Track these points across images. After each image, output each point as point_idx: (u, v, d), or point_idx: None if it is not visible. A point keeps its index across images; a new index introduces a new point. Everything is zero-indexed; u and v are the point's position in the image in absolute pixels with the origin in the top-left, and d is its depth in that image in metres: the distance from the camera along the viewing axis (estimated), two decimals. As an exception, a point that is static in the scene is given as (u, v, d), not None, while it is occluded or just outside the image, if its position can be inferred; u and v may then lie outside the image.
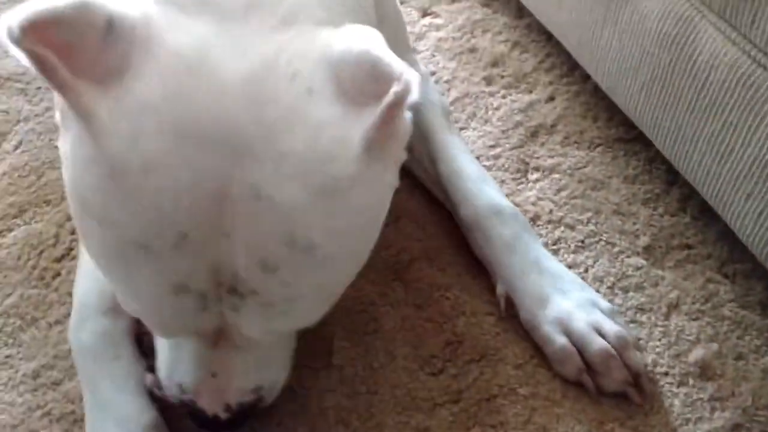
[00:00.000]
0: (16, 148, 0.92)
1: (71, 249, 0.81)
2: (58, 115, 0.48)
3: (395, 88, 0.41)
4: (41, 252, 0.81)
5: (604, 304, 0.71)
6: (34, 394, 0.70)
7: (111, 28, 0.42)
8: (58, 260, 0.80)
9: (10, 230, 0.83)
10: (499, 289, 0.74)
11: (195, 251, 0.45)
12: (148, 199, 0.44)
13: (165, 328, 0.53)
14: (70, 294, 0.77)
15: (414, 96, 0.41)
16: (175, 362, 0.58)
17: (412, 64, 0.86)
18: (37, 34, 0.38)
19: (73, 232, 0.81)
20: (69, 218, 0.83)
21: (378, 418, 0.67)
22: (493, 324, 0.73)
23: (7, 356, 0.73)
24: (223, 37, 0.45)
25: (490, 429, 0.66)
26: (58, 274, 0.79)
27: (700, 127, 0.68)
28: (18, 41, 0.38)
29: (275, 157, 0.44)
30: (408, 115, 0.47)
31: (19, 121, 0.95)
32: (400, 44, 0.85)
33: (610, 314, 0.70)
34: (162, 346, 0.60)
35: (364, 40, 0.45)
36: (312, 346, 0.72)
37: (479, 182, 0.78)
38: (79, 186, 0.46)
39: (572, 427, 0.66)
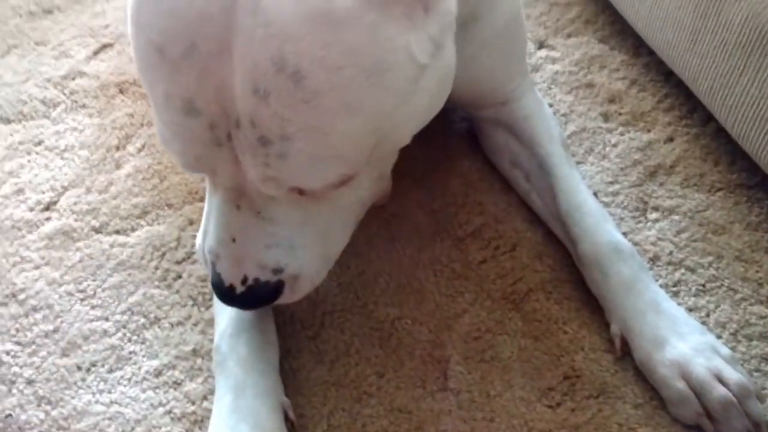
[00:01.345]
0: (140, 150, 0.96)
1: (192, 253, 0.83)
2: None
3: None
4: (164, 254, 0.84)
5: (725, 350, 0.70)
6: (156, 391, 0.72)
7: None
8: (179, 263, 0.83)
9: (134, 230, 0.87)
10: (614, 329, 0.73)
11: (202, 65, 0.48)
12: (170, 2, 0.48)
13: (184, 156, 0.54)
14: (191, 297, 0.80)
15: None
16: (206, 220, 0.58)
17: (528, 88, 0.86)
18: None
19: (194, 236, 0.84)
20: (191, 222, 0.86)
21: (494, 446, 0.67)
22: (612, 362, 0.72)
23: (131, 352, 0.76)
24: None
25: (609, 468, 0.65)
26: (179, 277, 0.82)
27: None
28: None
29: None
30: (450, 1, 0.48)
31: (143, 125, 0.99)
32: (515, 63, 0.85)
33: (731, 361, 0.69)
34: (204, 214, 0.60)
35: None
36: (427, 369, 0.73)
37: (599, 218, 0.77)
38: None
39: (694, 475, 0.65)
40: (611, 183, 0.87)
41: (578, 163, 0.90)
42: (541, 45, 1.06)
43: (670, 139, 0.92)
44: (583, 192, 0.79)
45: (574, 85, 0.99)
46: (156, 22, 0.49)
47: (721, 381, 0.66)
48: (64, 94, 1.04)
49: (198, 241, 0.62)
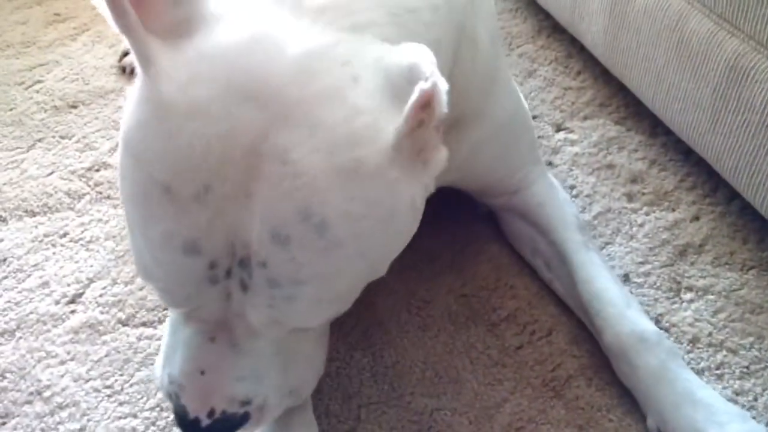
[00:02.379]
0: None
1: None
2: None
3: (421, 86, 0.44)
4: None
5: None
6: None
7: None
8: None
9: (161, 322, 0.85)
10: (650, 423, 0.71)
11: (215, 208, 0.47)
12: (185, 141, 0.46)
13: (170, 294, 0.52)
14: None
15: (440, 103, 0.45)
16: (170, 350, 0.56)
17: (539, 175, 0.87)
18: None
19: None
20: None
21: None
22: (661, 451, 0.70)
23: None
24: (293, 24, 0.49)
25: None
26: (209, 369, 0.80)
27: None
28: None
29: (310, 125, 0.46)
30: (443, 153, 0.51)
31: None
32: (522, 154, 0.86)
33: None
34: (165, 334, 0.58)
35: (418, 55, 0.48)
36: (470, 462, 0.70)
37: (621, 306, 0.75)
38: (127, 124, 0.50)
39: None
40: (642, 264, 0.87)
41: (606, 244, 0.90)
42: (558, 128, 1.07)
43: (696, 218, 0.92)
44: (603, 278, 0.78)
45: (595, 167, 1.00)
46: (165, 159, 0.47)
47: None
48: (89, 186, 1.04)
49: (157, 369, 0.59)
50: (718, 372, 0.76)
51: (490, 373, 0.77)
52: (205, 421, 0.55)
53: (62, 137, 1.13)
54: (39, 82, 1.27)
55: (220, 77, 0.47)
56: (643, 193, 0.96)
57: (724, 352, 0.77)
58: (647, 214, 0.93)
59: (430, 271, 0.87)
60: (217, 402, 0.54)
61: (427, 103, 0.45)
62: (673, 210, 0.94)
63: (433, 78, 0.44)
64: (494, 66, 0.77)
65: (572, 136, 1.06)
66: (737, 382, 0.75)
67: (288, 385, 0.59)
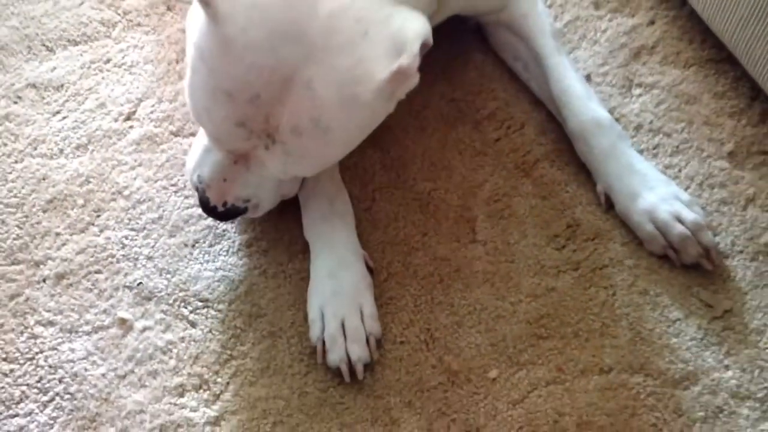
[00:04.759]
0: (195, 62, 1.11)
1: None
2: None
3: (401, 61, 0.68)
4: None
5: (685, 196, 0.88)
6: (250, 258, 0.93)
7: None
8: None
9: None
10: (599, 188, 0.92)
11: (260, 105, 0.72)
12: (244, 64, 0.70)
13: (217, 139, 0.79)
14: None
15: (412, 77, 0.70)
16: (203, 160, 0.83)
17: None
18: None
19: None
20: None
21: (515, 280, 0.88)
22: (604, 212, 0.92)
23: (224, 230, 0.95)
24: None
25: (603, 290, 0.87)
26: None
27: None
28: None
29: (329, 66, 0.70)
30: (415, 78, 0.71)
31: (193, 39, 1.13)
32: None
33: (689, 204, 0.88)
34: (197, 146, 0.85)
35: (410, 26, 0.70)
36: (459, 227, 0.93)
37: (584, 99, 0.93)
38: (200, 43, 0.73)
39: (666, 290, 0.86)
40: (602, 65, 1.04)
41: (573, 48, 1.06)
42: (538, -60, 1.18)
43: (652, 22, 1.07)
44: (570, 77, 0.95)
45: (569, -22, 1.13)
46: (231, 75, 0.72)
47: (680, 221, 0.86)
48: (119, 14, 1.17)
49: (189, 168, 0.86)
50: (654, 151, 0.96)
51: (474, 161, 0.97)
52: (220, 209, 0.83)
53: (85, -32, 1.23)
54: None
55: (268, 25, 0.70)
56: (608, 1, 1.10)
57: (661, 136, 0.97)
58: (610, 20, 1.08)
59: (426, 81, 1.04)
60: (229, 198, 0.82)
61: (402, 73, 0.68)
62: (633, 15, 1.08)
63: (409, 57, 0.67)
64: None
65: (549, -52, 1.17)
66: (668, 158, 0.96)
67: (277, 196, 0.86)
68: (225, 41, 0.70)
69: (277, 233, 0.94)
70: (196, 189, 0.84)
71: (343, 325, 0.83)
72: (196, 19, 0.74)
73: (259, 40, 0.70)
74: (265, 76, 0.71)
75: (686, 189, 0.93)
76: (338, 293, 0.84)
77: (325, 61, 0.70)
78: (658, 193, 0.88)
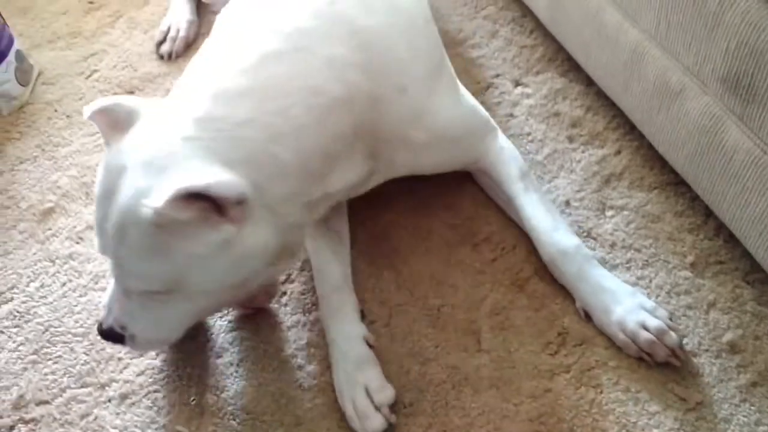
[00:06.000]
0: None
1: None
2: None
3: (146, 202, 0.83)
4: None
5: (649, 304, 1.03)
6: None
7: (131, 115, 0.91)
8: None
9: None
10: (577, 304, 1.08)
11: (101, 217, 0.89)
12: (100, 181, 0.91)
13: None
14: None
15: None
16: (111, 296, 0.96)
17: (491, 142, 1.17)
18: (97, 115, 0.91)
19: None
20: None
21: (517, 383, 1.03)
22: (587, 322, 1.08)
23: (265, 350, 1.10)
24: (167, 132, 0.89)
25: (591, 389, 1.02)
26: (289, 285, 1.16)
27: (728, 186, 1.01)
28: (91, 117, 0.92)
29: (132, 194, 0.86)
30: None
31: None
32: (475, 142, 1.17)
33: (652, 311, 1.02)
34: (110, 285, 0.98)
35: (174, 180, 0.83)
36: (466, 338, 1.08)
37: (550, 231, 1.10)
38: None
39: (645, 386, 1.01)
40: (578, 191, 1.22)
41: (553, 177, 1.24)
42: (516, 83, 1.39)
43: (618, 152, 1.27)
44: (537, 214, 1.12)
45: (545, 115, 1.33)
46: (98, 181, 0.90)
47: (645, 328, 1.01)
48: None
49: (102, 301, 1.00)
50: (627, 265, 1.13)
51: (476, 279, 1.14)
52: (104, 328, 0.96)
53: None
54: (95, 71, 1.55)
55: (110, 164, 0.89)
56: (581, 135, 1.30)
57: (632, 251, 1.15)
58: (583, 151, 1.28)
59: (430, 207, 1.23)
60: (111, 323, 0.95)
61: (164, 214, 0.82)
62: (602, 147, 1.28)
63: (156, 201, 0.81)
64: (423, 103, 1.05)
65: (528, 90, 1.38)
66: (639, 270, 1.12)
67: (155, 333, 0.97)
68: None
69: (309, 349, 1.09)
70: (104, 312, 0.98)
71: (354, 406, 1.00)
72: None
73: (98, 180, 0.90)
74: (102, 189, 0.89)
75: (656, 297, 1.09)
76: (349, 381, 1.02)
77: (132, 195, 0.85)
78: (625, 306, 1.04)
